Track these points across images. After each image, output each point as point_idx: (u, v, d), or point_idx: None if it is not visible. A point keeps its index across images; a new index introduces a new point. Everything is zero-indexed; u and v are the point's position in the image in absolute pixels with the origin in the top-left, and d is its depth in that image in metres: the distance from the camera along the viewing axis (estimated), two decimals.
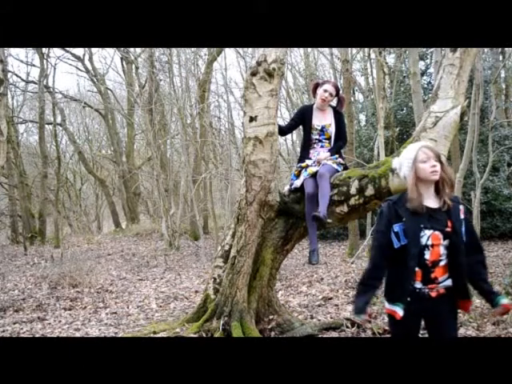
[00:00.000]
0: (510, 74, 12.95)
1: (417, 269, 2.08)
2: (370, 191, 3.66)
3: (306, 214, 3.81)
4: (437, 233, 2.09)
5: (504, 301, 2.08)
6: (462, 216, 2.15)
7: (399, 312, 2.10)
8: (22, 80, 17.38)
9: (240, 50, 13.45)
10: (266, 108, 3.72)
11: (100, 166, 22.38)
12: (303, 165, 3.97)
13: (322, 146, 4.06)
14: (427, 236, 2.09)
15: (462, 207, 2.16)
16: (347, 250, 9.56)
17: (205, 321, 3.97)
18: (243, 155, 3.91)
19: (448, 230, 2.10)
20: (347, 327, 4.11)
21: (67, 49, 16.22)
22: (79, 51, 17.22)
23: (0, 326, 4.97)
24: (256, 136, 3.74)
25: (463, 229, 2.13)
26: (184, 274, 8.04)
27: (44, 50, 15.07)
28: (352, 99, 12.65)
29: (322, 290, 5.94)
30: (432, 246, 2.09)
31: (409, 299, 2.09)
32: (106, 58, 43.08)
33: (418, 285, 2.09)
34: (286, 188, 4.12)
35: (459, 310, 2.22)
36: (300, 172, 3.97)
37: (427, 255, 2.09)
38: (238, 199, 4.23)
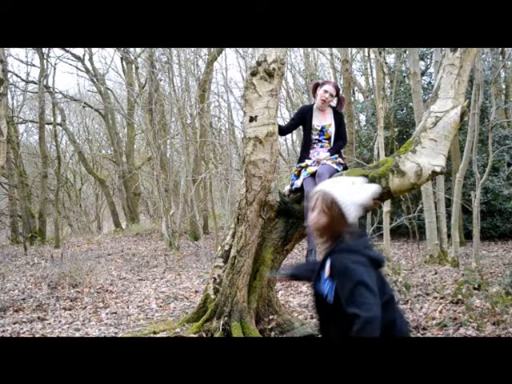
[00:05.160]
0: (510, 73, 12.95)
1: None
2: None
3: (304, 213, 3.81)
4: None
5: None
6: (326, 274, 1.77)
7: None
8: (22, 80, 17.40)
9: (240, 49, 13.46)
10: (266, 108, 3.72)
11: (100, 166, 22.41)
12: (303, 165, 3.98)
13: (321, 146, 4.06)
14: None
15: (328, 264, 1.76)
16: None
17: (205, 321, 3.97)
18: (243, 155, 3.91)
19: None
20: None
21: (67, 49, 16.24)
22: (79, 51, 17.25)
23: (0, 326, 4.97)
24: (256, 136, 3.74)
25: (326, 288, 1.77)
26: (184, 274, 8.04)
27: (44, 49, 15.08)
28: (352, 99, 12.65)
29: None
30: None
31: None
32: (106, 58, 43.14)
33: None
34: (286, 188, 4.12)
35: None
36: (300, 172, 3.98)
37: None
38: (238, 199, 4.24)
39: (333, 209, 1.78)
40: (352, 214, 1.78)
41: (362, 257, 1.71)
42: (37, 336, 4.62)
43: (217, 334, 3.78)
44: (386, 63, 12.64)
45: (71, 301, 6.14)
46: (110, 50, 19.13)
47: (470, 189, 9.39)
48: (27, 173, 17.22)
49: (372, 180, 3.65)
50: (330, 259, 1.75)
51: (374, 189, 1.84)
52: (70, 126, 21.57)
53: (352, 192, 1.79)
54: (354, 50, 14.30)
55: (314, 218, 1.83)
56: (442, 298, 4.82)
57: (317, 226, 1.83)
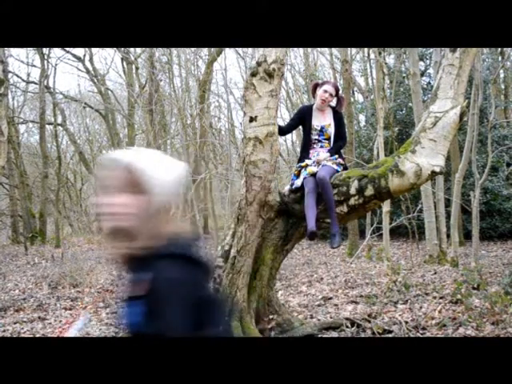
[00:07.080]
0: (510, 74, 12.96)
1: None
2: (369, 191, 3.67)
3: (304, 208, 3.75)
4: None
5: None
6: (137, 293, 1.17)
7: None
8: (23, 80, 17.42)
9: (240, 50, 13.47)
10: (266, 108, 3.73)
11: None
12: (303, 164, 3.98)
13: (321, 147, 4.06)
14: None
15: (147, 278, 1.13)
16: (347, 249, 9.57)
17: None
18: (243, 155, 3.91)
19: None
20: (347, 327, 4.11)
21: (68, 49, 16.25)
22: (79, 51, 17.25)
23: (1, 326, 4.98)
24: (256, 136, 3.74)
25: (136, 314, 1.18)
26: None
27: (44, 50, 15.09)
28: (352, 100, 12.66)
29: (321, 289, 5.95)
30: None
31: None
32: (107, 58, 43.21)
33: None
34: (286, 188, 4.12)
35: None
36: (300, 172, 3.98)
37: None
38: (237, 199, 4.24)
39: (150, 189, 1.14)
40: (172, 197, 1.20)
41: (190, 266, 1.21)
42: (37, 336, 4.62)
43: None
44: (386, 63, 12.65)
45: (72, 301, 6.14)
46: (111, 51, 19.17)
47: (470, 189, 9.40)
48: (28, 173, 17.23)
49: (372, 180, 3.66)
50: (146, 271, 1.15)
51: (182, 168, 1.23)
52: (71, 126, 21.60)
53: (166, 167, 1.20)
54: (354, 50, 14.31)
55: (122, 204, 1.13)
56: (441, 298, 4.83)
57: (127, 218, 1.14)
